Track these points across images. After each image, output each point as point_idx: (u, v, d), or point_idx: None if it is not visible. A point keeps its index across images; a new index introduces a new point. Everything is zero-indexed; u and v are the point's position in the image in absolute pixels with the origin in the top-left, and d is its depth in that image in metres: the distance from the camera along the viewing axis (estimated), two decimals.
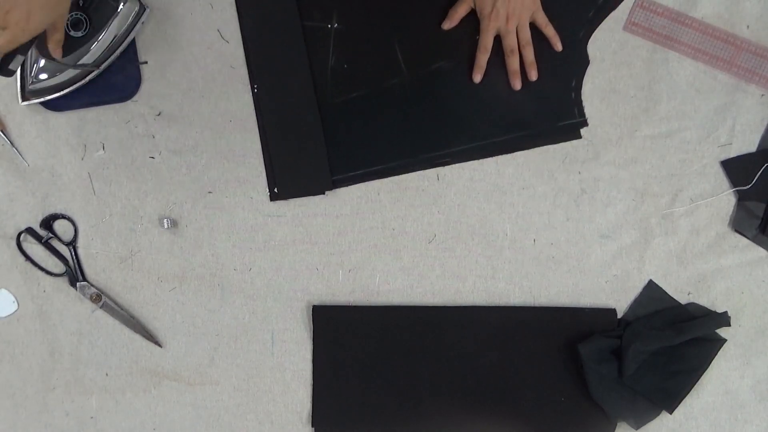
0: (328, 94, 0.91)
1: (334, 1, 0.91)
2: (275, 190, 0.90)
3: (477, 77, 0.89)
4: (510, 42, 0.88)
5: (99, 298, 0.91)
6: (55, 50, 0.80)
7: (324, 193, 0.90)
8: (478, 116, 0.90)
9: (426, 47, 0.91)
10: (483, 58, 0.89)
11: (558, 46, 0.89)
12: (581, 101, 0.90)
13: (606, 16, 0.90)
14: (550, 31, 0.89)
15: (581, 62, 0.90)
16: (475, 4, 0.88)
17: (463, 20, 0.90)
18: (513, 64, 0.89)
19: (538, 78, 0.89)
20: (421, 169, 0.91)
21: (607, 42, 0.90)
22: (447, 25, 0.89)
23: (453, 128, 0.90)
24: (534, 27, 0.89)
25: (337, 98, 0.91)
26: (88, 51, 0.88)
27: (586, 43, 0.90)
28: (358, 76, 0.91)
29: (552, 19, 0.89)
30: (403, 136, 0.91)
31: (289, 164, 0.90)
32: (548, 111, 0.90)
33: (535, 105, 0.90)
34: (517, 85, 0.89)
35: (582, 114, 0.90)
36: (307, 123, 0.90)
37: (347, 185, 0.91)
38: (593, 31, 0.90)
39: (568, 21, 0.90)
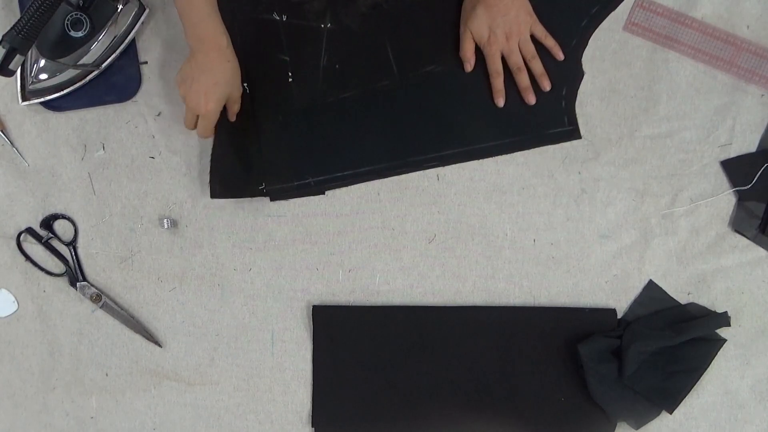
0: (319, 94, 0.91)
1: (328, 2, 0.91)
2: (212, 187, 0.91)
3: (500, 101, 0.89)
4: (515, 60, 0.88)
5: (99, 298, 0.91)
6: (232, 117, 0.88)
7: (324, 194, 0.91)
8: (467, 121, 0.90)
9: (418, 50, 0.91)
10: (498, 81, 0.88)
11: (559, 56, 0.89)
12: (573, 110, 0.90)
13: (599, 24, 0.90)
14: (549, 41, 0.89)
15: (573, 71, 0.90)
16: (473, 36, 0.88)
17: (455, 26, 0.90)
18: (523, 80, 0.88)
19: (530, 84, 0.89)
20: (408, 172, 0.91)
21: (607, 42, 0.90)
22: (468, 67, 0.89)
23: (442, 132, 0.90)
24: (533, 39, 0.89)
25: (328, 98, 0.91)
26: (88, 51, 0.88)
27: (581, 52, 0.90)
28: (350, 77, 0.91)
29: (544, 27, 0.89)
30: (392, 139, 0.90)
31: (225, 164, 0.90)
32: (538, 118, 0.90)
33: (524, 112, 0.90)
34: (531, 99, 0.89)
35: (573, 122, 0.89)
36: (243, 124, 0.90)
37: (336, 187, 0.91)
38: (588, 40, 0.90)
39: (559, 30, 0.89)
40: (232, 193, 0.91)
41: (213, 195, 0.91)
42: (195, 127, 0.83)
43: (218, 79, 0.80)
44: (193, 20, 0.77)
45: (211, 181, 0.91)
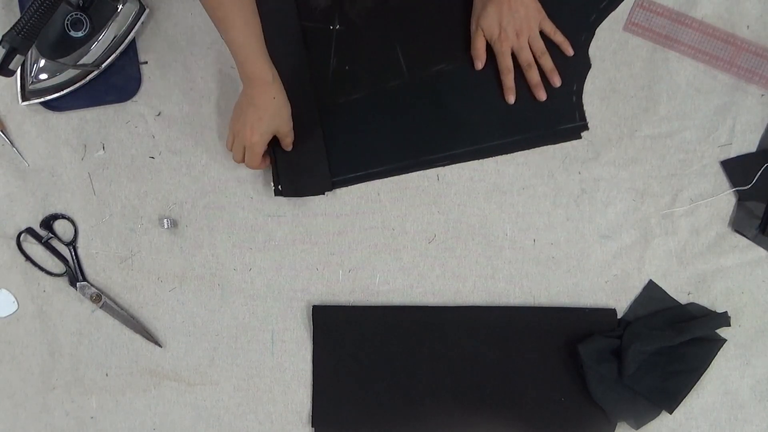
0: (329, 96, 0.91)
1: (336, 3, 0.91)
2: (279, 187, 0.90)
3: (511, 98, 0.89)
4: (526, 56, 0.88)
5: (99, 298, 0.91)
6: (287, 148, 0.88)
7: (324, 194, 0.91)
8: (478, 119, 0.90)
9: (427, 49, 0.91)
10: (509, 78, 0.89)
11: (569, 51, 0.89)
12: (582, 105, 0.90)
13: (606, 17, 0.90)
14: (558, 37, 0.89)
15: (583, 66, 0.90)
16: (484, 33, 0.88)
17: (464, 24, 0.90)
18: (533, 77, 0.89)
19: (540, 81, 0.89)
20: (420, 170, 0.91)
21: (607, 42, 0.90)
22: (479, 64, 0.89)
23: (453, 131, 0.90)
24: (543, 36, 0.89)
25: (338, 99, 0.91)
26: (88, 51, 0.88)
27: (588, 47, 0.90)
28: (359, 77, 0.91)
29: (554, 24, 0.89)
30: (403, 138, 0.91)
31: (291, 164, 0.90)
32: (549, 114, 0.90)
33: (535, 108, 0.90)
34: (542, 96, 0.89)
35: (583, 118, 0.90)
36: (306, 124, 0.90)
37: (347, 186, 0.91)
38: (594, 32, 0.90)
39: (569, 26, 0.89)
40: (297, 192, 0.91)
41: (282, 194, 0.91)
42: (243, 159, 0.85)
43: (262, 114, 0.81)
44: (241, 59, 0.78)
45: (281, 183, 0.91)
